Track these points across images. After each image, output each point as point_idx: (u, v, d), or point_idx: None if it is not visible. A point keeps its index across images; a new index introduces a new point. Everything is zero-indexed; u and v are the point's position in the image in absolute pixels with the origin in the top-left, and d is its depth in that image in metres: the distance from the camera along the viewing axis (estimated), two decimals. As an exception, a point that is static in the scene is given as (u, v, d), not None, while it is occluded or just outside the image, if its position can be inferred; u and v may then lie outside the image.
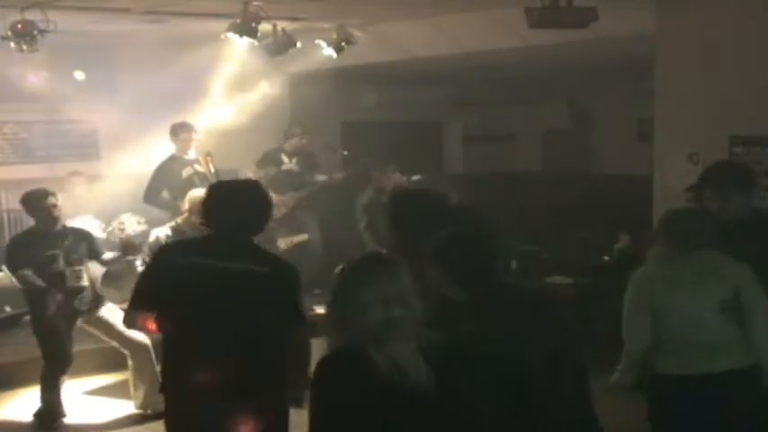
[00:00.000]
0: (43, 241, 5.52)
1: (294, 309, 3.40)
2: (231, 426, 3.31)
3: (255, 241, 3.56)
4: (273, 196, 8.11)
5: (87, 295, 5.64)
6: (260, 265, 3.37)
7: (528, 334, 2.59)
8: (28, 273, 5.47)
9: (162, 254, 3.62)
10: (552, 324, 2.77)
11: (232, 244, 3.41)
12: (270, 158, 8.48)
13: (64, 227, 5.69)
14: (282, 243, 7.16)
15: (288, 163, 8.51)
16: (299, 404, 3.41)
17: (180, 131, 7.50)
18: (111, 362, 6.25)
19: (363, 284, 2.43)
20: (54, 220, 5.57)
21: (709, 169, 4.30)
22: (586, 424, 2.82)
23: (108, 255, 5.80)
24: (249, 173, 8.25)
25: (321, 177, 8.65)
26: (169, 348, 3.50)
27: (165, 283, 3.39)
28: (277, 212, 8.34)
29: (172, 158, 7.53)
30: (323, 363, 2.46)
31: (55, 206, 5.55)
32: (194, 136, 7.54)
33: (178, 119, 7.70)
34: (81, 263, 5.62)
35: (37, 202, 5.56)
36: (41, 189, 5.65)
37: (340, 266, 2.59)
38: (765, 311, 3.56)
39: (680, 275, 3.60)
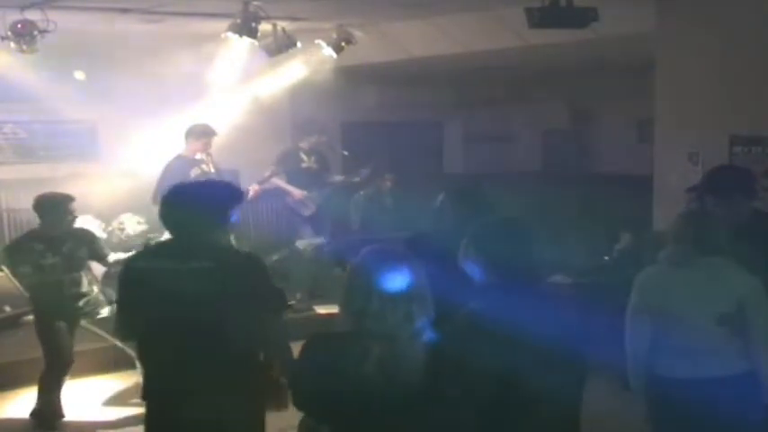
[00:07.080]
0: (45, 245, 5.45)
1: (252, 299, 3.38)
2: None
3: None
4: (300, 193, 8.14)
5: (91, 297, 5.63)
6: (205, 261, 3.38)
7: (539, 328, 2.58)
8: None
9: (129, 262, 3.70)
10: (562, 325, 2.76)
11: (181, 245, 3.48)
12: (289, 157, 8.24)
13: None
14: (301, 244, 7.12)
15: (307, 161, 8.26)
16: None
17: (202, 135, 7.38)
18: (110, 362, 6.26)
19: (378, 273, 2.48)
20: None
21: (713, 174, 4.21)
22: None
23: (114, 256, 5.74)
24: (267, 171, 8.10)
25: (338, 178, 8.50)
26: (143, 355, 3.56)
27: (133, 292, 3.48)
28: (306, 211, 8.31)
29: (179, 158, 7.42)
30: (315, 340, 2.56)
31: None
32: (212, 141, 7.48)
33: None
34: (81, 267, 5.56)
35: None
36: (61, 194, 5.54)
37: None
38: (765, 325, 3.49)
39: (685, 281, 3.53)
